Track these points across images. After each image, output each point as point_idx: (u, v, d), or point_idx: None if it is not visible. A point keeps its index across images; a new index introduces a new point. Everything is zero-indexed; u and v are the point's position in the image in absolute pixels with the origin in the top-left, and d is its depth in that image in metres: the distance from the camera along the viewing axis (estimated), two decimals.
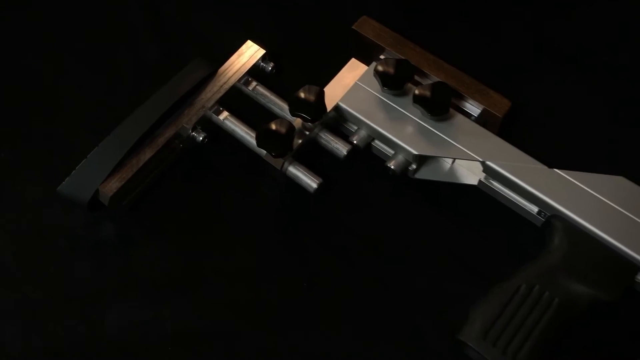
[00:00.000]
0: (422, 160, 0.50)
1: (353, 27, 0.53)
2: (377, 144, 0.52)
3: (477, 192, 0.51)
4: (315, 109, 0.48)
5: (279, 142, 0.47)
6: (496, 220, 0.50)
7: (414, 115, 0.49)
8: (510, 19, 0.60)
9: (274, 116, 0.51)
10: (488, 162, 0.47)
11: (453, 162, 0.51)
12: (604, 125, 0.54)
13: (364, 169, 0.53)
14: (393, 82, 0.49)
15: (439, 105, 0.47)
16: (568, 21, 0.60)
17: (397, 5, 0.61)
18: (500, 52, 0.59)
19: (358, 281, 0.49)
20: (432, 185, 0.51)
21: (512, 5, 0.61)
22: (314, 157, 0.52)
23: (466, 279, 0.48)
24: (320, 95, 0.48)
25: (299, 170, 0.49)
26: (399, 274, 0.49)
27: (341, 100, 0.51)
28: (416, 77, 0.51)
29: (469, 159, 0.48)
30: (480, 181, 0.50)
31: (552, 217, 0.46)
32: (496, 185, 0.49)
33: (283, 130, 0.47)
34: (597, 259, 0.44)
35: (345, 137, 0.51)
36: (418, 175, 0.51)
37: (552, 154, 0.49)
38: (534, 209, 0.48)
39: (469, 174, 0.51)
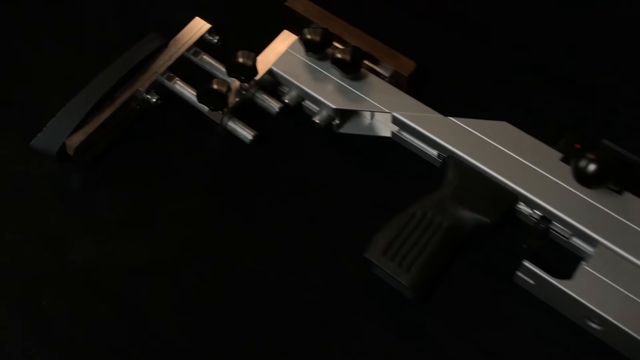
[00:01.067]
0: (343, 115, 0.59)
1: (285, 4, 0.62)
2: (307, 103, 0.60)
3: (392, 143, 0.59)
4: (248, 71, 0.57)
5: (215, 98, 0.55)
6: (406, 165, 0.58)
7: (334, 76, 0.58)
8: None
9: None
10: (394, 113, 0.56)
11: (372, 117, 0.60)
12: (492, 82, 0.63)
13: (297, 126, 0.61)
14: (314, 47, 0.57)
15: (352, 66, 0.56)
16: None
17: None
18: (413, 24, 0.67)
19: (291, 217, 0.57)
20: (355, 138, 0.60)
21: None
22: (253, 115, 0.60)
23: (380, 213, 0.56)
24: (253, 59, 0.57)
25: (236, 124, 0.58)
26: (326, 212, 0.57)
27: (273, 65, 0.59)
28: (338, 45, 0.60)
29: (379, 111, 0.56)
30: (392, 133, 0.59)
31: (447, 158, 0.54)
32: (404, 134, 0.57)
33: (219, 87, 0.55)
34: (481, 190, 0.52)
35: (279, 98, 0.60)
36: (342, 130, 0.60)
37: (450, 105, 0.57)
38: (434, 152, 0.56)
39: (384, 127, 0.59)
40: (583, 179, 0.43)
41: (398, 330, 0.51)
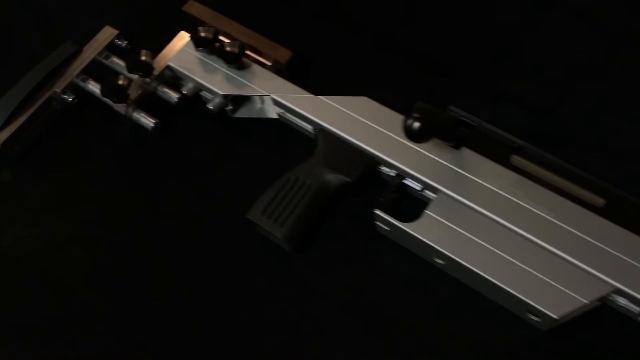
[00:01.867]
0: (235, 102, 0.67)
1: (183, 8, 0.71)
2: (204, 93, 0.69)
3: (278, 123, 0.68)
4: (146, 67, 0.66)
5: (117, 92, 0.64)
6: (290, 141, 0.67)
7: (222, 67, 0.66)
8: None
9: None
10: (273, 96, 0.64)
11: (262, 102, 0.69)
12: (359, 63, 0.72)
13: (198, 114, 0.70)
14: (203, 43, 0.66)
15: (234, 57, 0.65)
16: None
17: None
18: (296, 18, 0.76)
19: (195, 192, 0.65)
20: (248, 121, 0.68)
21: None
22: (158, 107, 0.69)
23: (268, 183, 0.64)
24: (149, 57, 0.66)
25: (139, 114, 0.67)
26: (222, 184, 0.66)
27: (171, 61, 0.68)
28: (224, 40, 0.69)
29: (259, 95, 0.65)
30: (278, 114, 0.67)
31: (318, 131, 0.63)
32: (286, 115, 0.66)
33: (119, 82, 0.64)
34: (344, 155, 0.61)
35: (179, 89, 0.69)
36: (236, 115, 0.69)
37: (323, 86, 0.66)
38: (310, 127, 0.65)
39: (271, 110, 0.68)
40: (409, 135, 0.52)
41: (283, 280, 0.60)
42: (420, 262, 0.58)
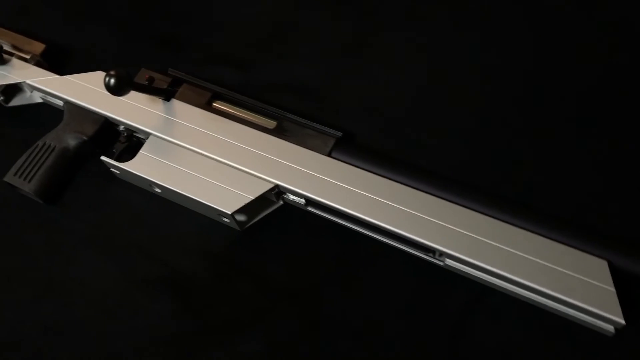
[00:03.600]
0: (6, 93, 0.80)
1: None
2: None
3: (45, 105, 0.81)
4: None
5: None
6: (55, 118, 0.80)
7: None
8: None
9: None
10: (27, 81, 0.78)
11: (31, 91, 0.82)
12: (109, 49, 0.86)
13: None
14: None
15: None
16: None
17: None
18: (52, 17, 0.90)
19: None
20: (21, 108, 0.81)
21: None
22: None
23: None
24: None
25: None
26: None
27: None
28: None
29: (15, 82, 0.78)
30: (41, 98, 0.81)
31: (65, 104, 0.77)
32: (47, 97, 0.79)
33: None
34: (82, 119, 0.74)
35: None
36: (10, 104, 0.81)
37: (76, 70, 0.79)
38: (60, 102, 0.78)
39: (36, 96, 0.81)
40: (108, 89, 0.65)
41: (37, 225, 0.73)
42: (145, 193, 0.72)
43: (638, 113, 0.71)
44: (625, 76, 0.74)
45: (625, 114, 0.71)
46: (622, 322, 0.55)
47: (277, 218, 0.69)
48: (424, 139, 0.72)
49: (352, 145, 0.70)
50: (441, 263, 0.63)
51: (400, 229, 0.62)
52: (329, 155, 0.68)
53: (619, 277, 0.57)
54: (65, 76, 0.77)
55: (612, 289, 0.56)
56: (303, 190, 0.65)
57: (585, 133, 0.71)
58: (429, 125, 0.73)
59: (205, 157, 0.69)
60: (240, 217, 0.68)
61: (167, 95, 0.74)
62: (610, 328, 0.57)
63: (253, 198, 0.65)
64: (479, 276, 0.62)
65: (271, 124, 0.71)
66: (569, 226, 0.60)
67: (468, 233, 0.61)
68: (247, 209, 0.67)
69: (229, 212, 0.65)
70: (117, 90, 0.65)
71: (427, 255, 0.64)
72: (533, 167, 0.69)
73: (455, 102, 0.75)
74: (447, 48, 0.79)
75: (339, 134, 0.69)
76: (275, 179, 0.66)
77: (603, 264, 0.57)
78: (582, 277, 0.57)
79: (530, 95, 0.74)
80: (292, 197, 0.68)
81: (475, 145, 0.71)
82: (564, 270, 0.58)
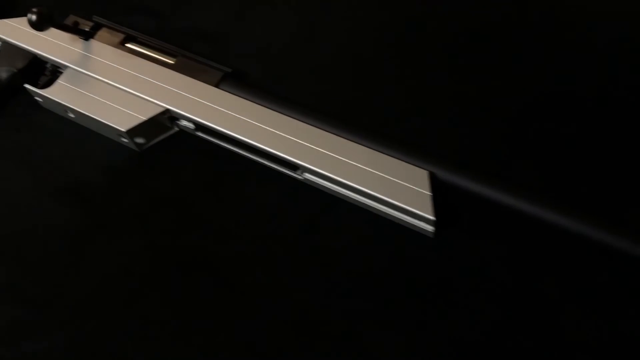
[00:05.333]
0: None
1: None
2: None
3: None
4: None
5: None
6: None
7: None
8: None
9: None
10: None
11: None
12: None
13: None
14: None
15: None
16: None
17: None
18: None
19: None
20: None
21: None
22: None
23: None
24: None
25: None
26: None
27: None
28: None
29: None
30: None
31: (1, 44, 0.88)
32: None
33: None
34: (13, 54, 0.85)
35: None
36: None
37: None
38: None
39: None
40: (31, 25, 0.76)
41: None
42: (63, 119, 0.83)
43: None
44: None
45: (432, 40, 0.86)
46: (433, 218, 0.65)
47: (172, 142, 0.80)
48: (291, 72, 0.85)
49: (238, 80, 0.80)
50: (301, 177, 0.74)
51: (270, 148, 0.72)
52: (217, 86, 0.78)
53: (440, 186, 0.68)
54: (2, 20, 0.89)
55: (429, 193, 0.66)
56: (190, 115, 0.76)
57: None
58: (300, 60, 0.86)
59: (111, 86, 0.79)
60: (139, 139, 0.79)
61: (85, 35, 0.84)
62: (429, 228, 0.67)
63: (145, 119, 0.76)
64: (328, 187, 0.72)
65: (171, 60, 0.81)
66: (399, 143, 0.70)
67: (322, 150, 0.71)
68: (143, 131, 0.77)
69: (124, 130, 0.75)
70: (38, 25, 0.76)
71: (289, 170, 0.74)
72: (385, 98, 0.82)
73: (326, 40, 0.87)
74: None
75: (229, 69, 0.79)
76: (166, 104, 0.77)
77: (424, 174, 0.68)
78: (407, 184, 0.67)
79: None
80: (183, 122, 0.78)
81: (333, 79, 0.85)
82: (393, 179, 0.68)
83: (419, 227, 0.68)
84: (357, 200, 0.71)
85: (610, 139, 0.76)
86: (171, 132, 0.80)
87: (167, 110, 0.77)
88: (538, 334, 0.64)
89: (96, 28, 0.86)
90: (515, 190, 0.67)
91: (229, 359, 0.65)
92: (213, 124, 0.75)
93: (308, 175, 0.73)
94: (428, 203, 0.66)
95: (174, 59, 0.81)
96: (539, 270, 0.68)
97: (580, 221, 0.65)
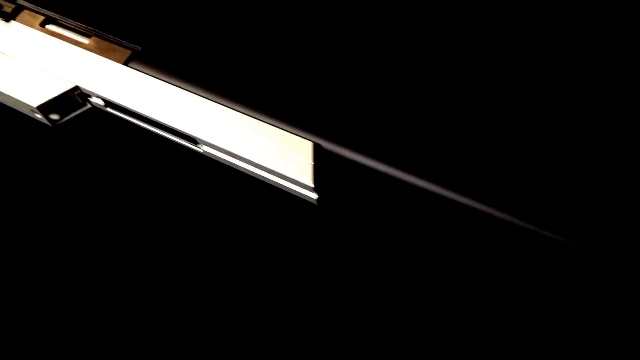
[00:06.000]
0: None
1: None
2: None
3: None
4: None
5: None
6: None
7: None
8: None
9: None
10: None
11: None
12: None
13: None
14: None
15: None
16: None
17: None
18: None
19: None
20: None
21: None
22: None
23: None
24: None
25: None
26: None
27: None
28: None
29: None
30: None
31: None
32: None
33: None
34: None
35: None
36: None
37: None
38: None
39: None
40: None
41: None
42: None
43: None
44: None
45: None
46: (312, 185, 0.68)
47: (85, 118, 0.83)
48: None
49: (147, 58, 0.84)
50: (201, 150, 0.77)
51: (170, 122, 0.76)
52: (125, 64, 0.81)
53: (324, 157, 0.71)
54: None
55: (311, 162, 0.69)
56: (97, 91, 0.79)
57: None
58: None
59: (26, 65, 0.83)
60: (53, 116, 0.82)
61: (6, 17, 0.88)
62: (314, 195, 0.71)
63: (56, 95, 0.79)
64: (225, 159, 0.75)
65: (86, 40, 0.85)
66: (287, 115, 0.74)
67: (217, 123, 0.74)
68: (55, 107, 0.81)
69: (35, 106, 0.79)
70: None
71: (191, 144, 0.78)
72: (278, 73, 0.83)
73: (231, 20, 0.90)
74: None
75: (138, 48, 0.83)
76: (76, 81, 0.80)
77: (309, 144, 0.71)
78: (291, 153, 0.70)
79: None
80: (94, 99, 0.82)
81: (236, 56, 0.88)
82: (279, 149, 0.71)
83: (305, 195, 0.72)
84: (250, 171, 0.74)
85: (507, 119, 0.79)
86: (84, 109, 0.84)
87: (77, 87, 0.80)
88: (413, 305, 0.68)
89: (18, 10, 0.90)
90: (401, 162, 0.71)
91: None
92: (118, 100, 0.78)
93: (206, 148, 0.76)
94: (309, 171, 0.69)
95: (89, 39, 0.85)
96: (421, 239, 0.71)
97: (463, 193, 0.69)
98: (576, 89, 0.81)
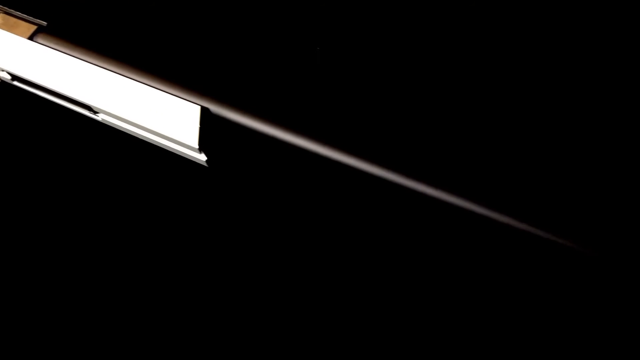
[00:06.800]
0: None
1: None
2: None
3: None
4: None
5: None
6: None
7: None
8: None
9: None
10: None
11: None
12: None
13: None
14: None
15: None
16: None
17: None
18: None
19: None
20: None
21: None
22: None
23: None
24: None
25: None
26: None
27: None
28: None
29: None
30: None
31: None
32: None
33: None
34: None
35: None
36: None
37: None
38: None
39: None
40: None
41: None
42: None
43: None
44: None
45: None
46: (197, 147, 0.71)
47: None
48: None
49: (52, 32, 0.86)
50: (100, 119, 0.80)
51: (67, 92, 0.78)
52: (30, 39, 0.84)
53: (214, 120, 0.73)
54: None
55: (198, 125, 0.72)
56: (4, 66, 0.81)
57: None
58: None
59: None
60: None
61: None
62: (202, 157, 0.73)
63: None
64: (121, 125, 0.78)
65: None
66: (177, 81, 0.76)
67: (112, 92, 0.77)
68: None
69: None
70: None
71: (92, 113, 0.80)
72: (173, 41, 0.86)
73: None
74: None
75: (44, 23, 0.85)
76: None
77: (196, 108, 0.73)
78: (180, 118, 0.73)
79: None
80: (1, 73, 0.84)
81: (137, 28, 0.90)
82: (169, 114, 0.73)
83: (195, 158, 0.74)
84: (143, 137, 0.77)
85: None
86: None
87: None
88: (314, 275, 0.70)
89: None
90: (298, 127, 0.73)
91: None
92: (20, 73, 0.81)
93: (104, 116, 0.79)
94: (195, 134, 0.71)
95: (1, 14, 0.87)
96: (305, 198, 0.74)
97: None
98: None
